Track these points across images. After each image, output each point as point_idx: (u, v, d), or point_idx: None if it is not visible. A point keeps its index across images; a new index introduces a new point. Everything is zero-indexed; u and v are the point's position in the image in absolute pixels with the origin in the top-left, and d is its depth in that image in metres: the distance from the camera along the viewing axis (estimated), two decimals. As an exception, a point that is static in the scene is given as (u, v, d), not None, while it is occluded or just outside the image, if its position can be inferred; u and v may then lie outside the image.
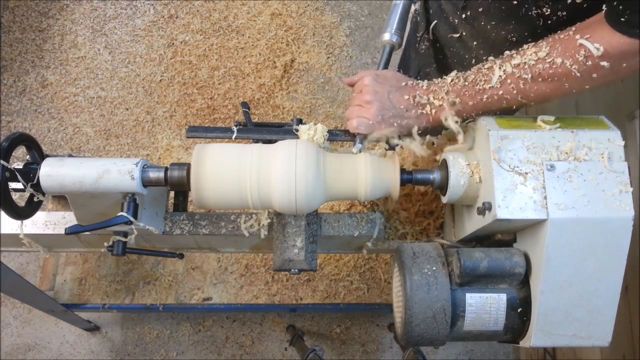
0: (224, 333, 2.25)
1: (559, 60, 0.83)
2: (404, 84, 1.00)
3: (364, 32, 2.71)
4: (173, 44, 2.63)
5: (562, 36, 0.84)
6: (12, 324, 2.24)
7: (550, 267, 0.84)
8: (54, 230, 1.17)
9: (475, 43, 1.15)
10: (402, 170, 0.97)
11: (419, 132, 1.02)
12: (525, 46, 0.89)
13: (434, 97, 0.96)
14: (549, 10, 0.94)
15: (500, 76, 0.89)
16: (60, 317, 1.99)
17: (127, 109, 2.52)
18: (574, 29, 0.84)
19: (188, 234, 1.15)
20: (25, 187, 0.94)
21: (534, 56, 0.85)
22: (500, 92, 0.90)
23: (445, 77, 0.98)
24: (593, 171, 0.84)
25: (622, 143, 0.86)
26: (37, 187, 0.94)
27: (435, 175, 0.97)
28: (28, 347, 2.22)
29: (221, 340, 2.24)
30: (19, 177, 0.92)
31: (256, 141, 1.05)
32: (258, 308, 2.00)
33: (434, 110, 0.97)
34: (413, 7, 1.37)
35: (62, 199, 1.26)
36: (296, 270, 1.05)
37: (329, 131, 1.04)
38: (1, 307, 2.25)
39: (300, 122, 1.05)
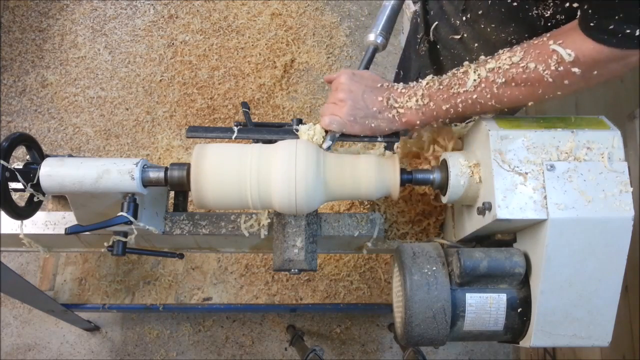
0: (224, 333, 2.25)
1: (532, 65, 0.82)
2: (379, 85, 1.00)
3: (363, 32, 2.71)
4: (173, 44, 2.63)
5: (536, 42, 0.84)
6: (12, 324, 2.24)
7: (550, 267, 0.84)
8: (54, 230, 1.17)
9: (476, 45, 1.15)
10: (402, 171, 0.97)
11: (397, 134, 1.02)
12: (500, 51, 0.89)
13: (407, 100, 0.96)
14: (548, 12, 0.94)
15: (474, 80, 0.88)
16: (60, 317, 1.99)
17: (127, 109, 2.52)
18: (548, 34, 0.84)
19: (188, 234, 1.15)
20: (25, 187, 0.94)
21: (508, 61, 0.85)
22: (474, 97, 0.89)
23: (420, 80, 0.97)
24: (593, 171, 0.84)
25: (622, 142, 0.86)
26: (37, 187, 0.94)
27: (435, 176, 0.97)
28: (28, 347, 2.22)
29: (221, 340, 2.24)
30: (19, 177, 0.92)
31: (256, 141, 1.05)
32: (258, 308, 2.00)
33: (406, 113, 0.96)
34: (413, 8, 1.37)
35: (62, 199, 1.26)
36: (296, 270, 1.05)
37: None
38: (1, 307, 2.25)
39: (300, 122, 1.05)
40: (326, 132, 1.01)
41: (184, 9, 2.69)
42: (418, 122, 0.97)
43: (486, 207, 0.85)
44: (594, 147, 0.85)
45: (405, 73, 1.51)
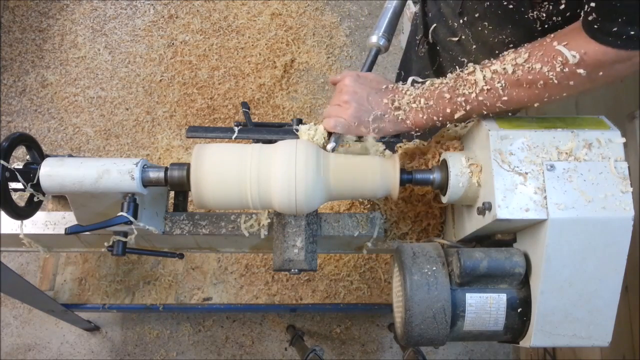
0: (224, 333, 2.25)
1: (537, 67, 0.82)
2: (384, 87, 1.00)
3: (364, 32, 2.71)
4: (173, 44, 2.63)
5: (541, 43, 0.84)
6: (12, 324, 2.24)
7: (550, 267, 0.84)
8: (54, 230, 1.17)
9: (474, 47, 1.15)
10: (402, 171, 0.97)
11: (402, 136, 1.01)
12: (505, 52, 0.88)
13: (412, 102, 0.96)
14: (544, 14, 0.94)
15: (480, 82, 0.88)
16: (60, 317, 1.99)
17: (127, 109, 2.52)
18: (553, 35, 0.83)
19: (188, 234, 1.15)
20: (25, 187, 0.94)
21: (513, 62, 0.85)
22: (480, 98, 0.89)
23: (425, 81, 0.97)
24: (593, 171, 0.84)
25: (622, 142, 0.86)
26: (37, 187, 0.94)
27: (435, 176, 0.97)
28: (28, 347, 2.22)
29: (221, 340, 2.24)
30: (19, 177, 0.92)
31: (256, 141, 1.05)
32: (258, 308, 2.00)
33: (410, 115, 0.96)
34: (413, 9, 1.37)
35: (62, 199, 1.26)
36: (296, 270, 1.05)
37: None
38: (1, 307, 2.25)
39: (300, 122, 1.05)
40: (329, 133, 1.01)
41: (184, 9, 2.69)
42: (423, 123, 0.96)
43: (486, 207, 0.85)
44: (594, 147, 0.85)
45: (407, 74, 1.52)
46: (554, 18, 0.94)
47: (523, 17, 0.98)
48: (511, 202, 0.83)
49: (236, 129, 1.06)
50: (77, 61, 2.60)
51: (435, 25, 1.26)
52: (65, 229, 0.96)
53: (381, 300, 2.00)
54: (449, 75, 0.95)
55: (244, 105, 1.18)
